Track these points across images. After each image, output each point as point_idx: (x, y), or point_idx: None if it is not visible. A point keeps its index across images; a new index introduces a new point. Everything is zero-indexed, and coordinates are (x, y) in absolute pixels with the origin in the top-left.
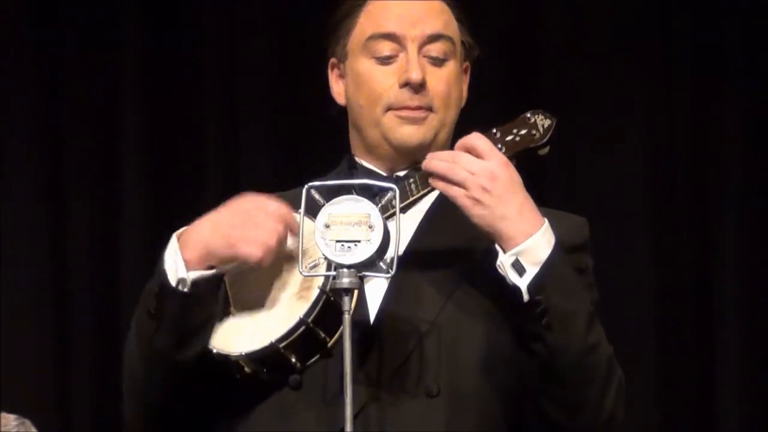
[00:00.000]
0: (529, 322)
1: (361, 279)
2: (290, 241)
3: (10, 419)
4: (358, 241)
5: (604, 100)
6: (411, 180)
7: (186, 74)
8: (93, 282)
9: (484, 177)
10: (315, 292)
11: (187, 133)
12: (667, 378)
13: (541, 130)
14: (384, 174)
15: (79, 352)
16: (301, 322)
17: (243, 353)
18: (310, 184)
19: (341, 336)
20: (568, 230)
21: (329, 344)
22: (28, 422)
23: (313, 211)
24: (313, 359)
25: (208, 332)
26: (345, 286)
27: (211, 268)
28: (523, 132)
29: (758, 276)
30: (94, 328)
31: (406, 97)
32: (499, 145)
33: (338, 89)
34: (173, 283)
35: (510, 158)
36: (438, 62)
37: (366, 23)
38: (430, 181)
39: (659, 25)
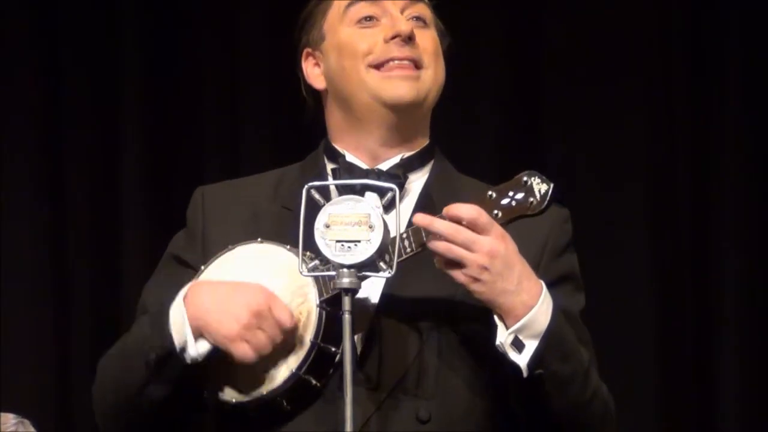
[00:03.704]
0: (528, 391)
1: (361, 279)
2: (277, 280)
3: (9, 418)
4: (358, 241)
5: (605, 106)
6: (404, 236)
7: (186, 73)
8: (93, 282)
9: (482, 255)
10: (307, 343)
11: (186, 133)
12: (666, 378)
13: (538, 196)
14: (365, 167)
15: (79, 352)
16: (293, 375)
17: (233, 401)
18: (310, 184)
19: (331, 377)
20: (553, 230)
21: (319, 387)
22: (27, 422)
23: (313, 210)
24: (303, 401)
25: (201, 377)
26: (345, 286)
27: None
28: (519, 197)
29: (758, 276)
30: (94, 328)
31: (393, 49)
32: (495, 211)
33: (315, 74)
34: (178, 348)
35: (504, 223)
36: (422, 23)
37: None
38: (436, 261)
39: (659, 35)
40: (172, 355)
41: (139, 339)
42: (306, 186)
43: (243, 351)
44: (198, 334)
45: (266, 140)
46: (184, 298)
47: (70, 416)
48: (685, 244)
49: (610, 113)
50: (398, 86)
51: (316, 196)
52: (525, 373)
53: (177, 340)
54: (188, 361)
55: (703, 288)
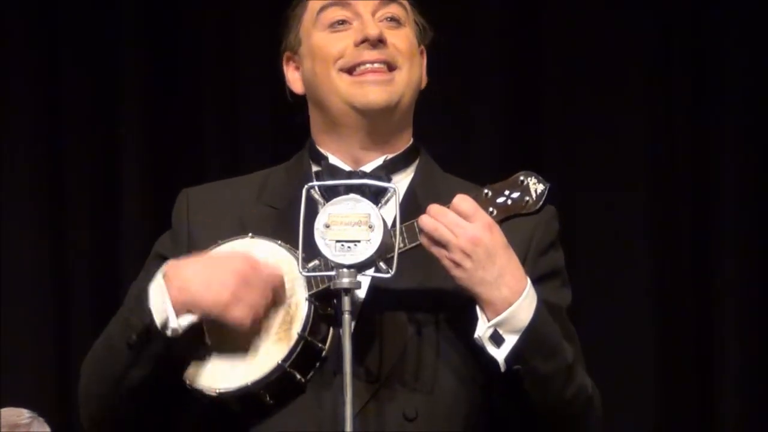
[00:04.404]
0: (507, 386)
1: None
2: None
3: (24, 413)
4: (358, 241)
5: (605, 107)
6: (399, 233)
7: (186, 73)
8: (93, 282)
9: (465, 241)
10: (294, 336)
11: (186, 133)
12: (666, 379)
13: (534, 195)
14: (348, 170)
15: (79, 352)
16: (278, 367)
17: (217, 391)
18: (310, 184)
19: (315, 372)
20: (539, 227)
21: (303, 382)
22: (42, 420)
23: (313, 210)
24: (286, 397)
25: (184, 366)
26: (345, 286)
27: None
28: (515, 195)
29: (758, 277)
30: (94, 328)
31: (363, 53)
32: (491, 209)
33: (295, 77)
34: (159, 324)
35: (499, 221)
36: (395, 24)
37: (315, 3)
38: (419, 236)
39: (659, 35)
40: (153, 331)
41: (119, 324)
42: (306, 186)
43: (238, 315)
44: (184, 311)
45: (266, 140)
46: (164, 276)
47: (69, 416)
48: (685, 244)
49: (610, 114)
50: (369, 91)
51: (315, 196)
52: (502, 368)
53: (158, 317)
54: (169, 334)
55: (703, 288)
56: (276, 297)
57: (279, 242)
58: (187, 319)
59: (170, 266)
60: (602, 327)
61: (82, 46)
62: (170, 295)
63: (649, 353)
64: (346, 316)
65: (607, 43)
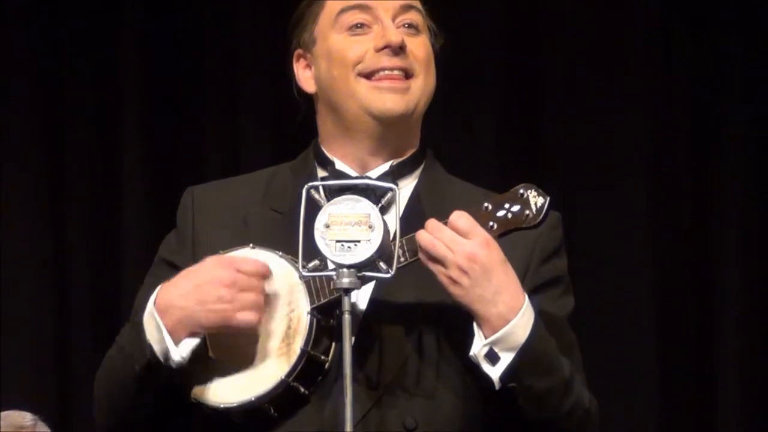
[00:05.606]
0: (503, 402)
1: (360, 279)
2: (268, 287)
3: (26, 415)
4: (358, 241)
5: (605, 106)
6: (399, 245)
7: (186, 73)
8: (93, 282)
9: (462, 257)
10: (296, 351)
11: (186, 132)
12: (667, 380)
13: (534, 209)
14: (355, 175)
15: (79, 352)
16: (282, 382)
17: (222, 406)
18: (310, 184)
19: (318, 385)
20: (543, 235)
21: (307, 394)
22: (44, 424)
23: (313, 210)
24: (290, 408)
25: (190, 382)
26: (345, 286)
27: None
28: (515, 209)
29: (759, 277)
30: (93, 327)
31: (383, 59)
32: (491, 222)
33: (306, 76)
34: (160, 355)
35: (500, 235)
36: (413, 31)
37: (333, 4)
38: (420, 254)
39: (659, 33)
40: (157, 364)
41: (123, 356)
42: (306, 186)
43: (244, 319)
44: (185, 335)
45: (266, 140)
46: (156, 305)
47: (70, 417)
48: (686, 244)
49: (610, 113)
50: (387, 99)
51: (316, 196)
52: (497, 386)
53: (158, 349)
54: (174, 365)
55: (703, 289)
56: (266, 278)
57: (280, 253)
58: (188, 345)
59: (160, 295)
60: (603, 329)
61: (82, 46)
62: (166, 324)
63: (650, 354)
64: (346, 316)
65: (607, 42)
